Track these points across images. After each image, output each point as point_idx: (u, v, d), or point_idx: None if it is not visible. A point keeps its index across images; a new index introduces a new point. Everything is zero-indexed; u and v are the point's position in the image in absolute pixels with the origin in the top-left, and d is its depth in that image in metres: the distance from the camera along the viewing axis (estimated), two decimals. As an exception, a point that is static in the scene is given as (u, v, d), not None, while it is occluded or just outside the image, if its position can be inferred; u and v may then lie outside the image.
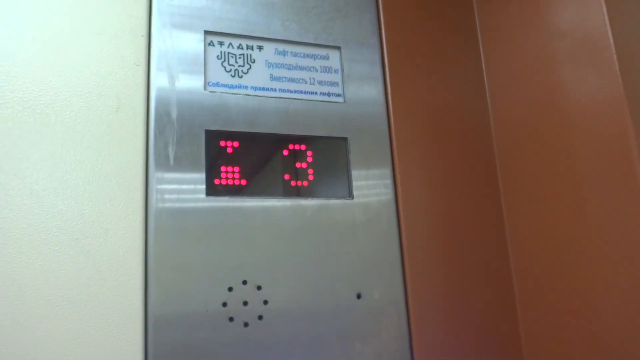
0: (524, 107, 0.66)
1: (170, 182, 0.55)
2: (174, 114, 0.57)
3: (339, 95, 0.65)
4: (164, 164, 0.55)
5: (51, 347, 0.48)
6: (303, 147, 0.62)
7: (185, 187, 0.55)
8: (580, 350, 0.58)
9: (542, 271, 0.62)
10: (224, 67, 0.61)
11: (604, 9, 0.56)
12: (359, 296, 0.59)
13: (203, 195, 0.56)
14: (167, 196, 0.54)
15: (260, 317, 0.55)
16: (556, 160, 0.61)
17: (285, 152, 0.61)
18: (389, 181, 0.64)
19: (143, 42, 0.58)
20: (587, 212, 0.57)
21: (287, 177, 0.60)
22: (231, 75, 0.61)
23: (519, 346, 0.64)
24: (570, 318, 0.59)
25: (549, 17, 0.63)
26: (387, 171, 0.64)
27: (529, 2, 0.66)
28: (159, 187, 0.54)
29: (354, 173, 0.62)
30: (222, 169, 0.58)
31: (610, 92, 0.55)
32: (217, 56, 0.61)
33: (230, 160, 0.58)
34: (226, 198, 0.57)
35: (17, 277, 0.48)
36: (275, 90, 0.62)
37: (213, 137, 0.58)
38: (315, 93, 0.64)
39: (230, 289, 0.54)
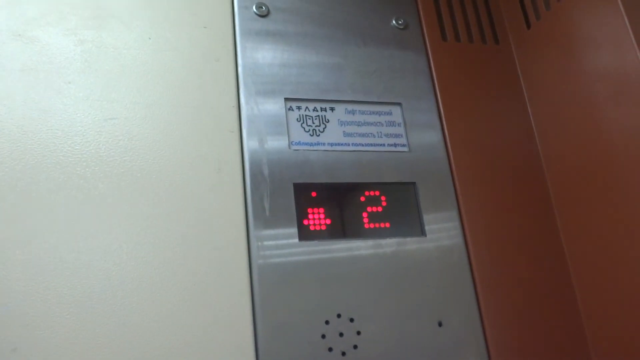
0: (571, 144, 0.73)
1: (268, 229, 0.63)
2: (266, 171, 0.65)
3: (404, 145, 0.73)
4: (261, 215, 0.63)
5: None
6: (377, 193, 0.69)
7: (281, 234, 0.63)
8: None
9: (604, 293, 0.67)
10: (303, 128, 0.70)
11: (638, 53, 0.64)
12: (440, 324, 0.65)
13: (296, 240, 0.63)
14: (266, 243, 0.62)
15: (355, 347, 0.61)
16: (606, 190, 0.67)
17: (362, 198, 0.69)
18: (455, 215, 0.71)
19: (234, 111, 0.68)
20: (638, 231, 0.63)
21: (366, 220, 0.68)
22: (310, 134, 0.70)
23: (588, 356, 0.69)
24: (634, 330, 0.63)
25: (586, 63, 0.71)
26: (454, 208, 0.71)
27: (566, 53, 0.74)
28: (258, 233, 0.62)
29: (425, 213, 0.69)
30: (310, 216, 0.66)
31: (652, 125, 0.62)
32: (297, 119, 0.70)
33: (317, 208, 0.66)
34: (316, 242, 0.64)
35: (137, 327, 0.56)
36: (348, 144, 0.71)
37: (300, 189, 0.66)
38: (383, 145, 0.72)
39: (327, 322, 0.61)
